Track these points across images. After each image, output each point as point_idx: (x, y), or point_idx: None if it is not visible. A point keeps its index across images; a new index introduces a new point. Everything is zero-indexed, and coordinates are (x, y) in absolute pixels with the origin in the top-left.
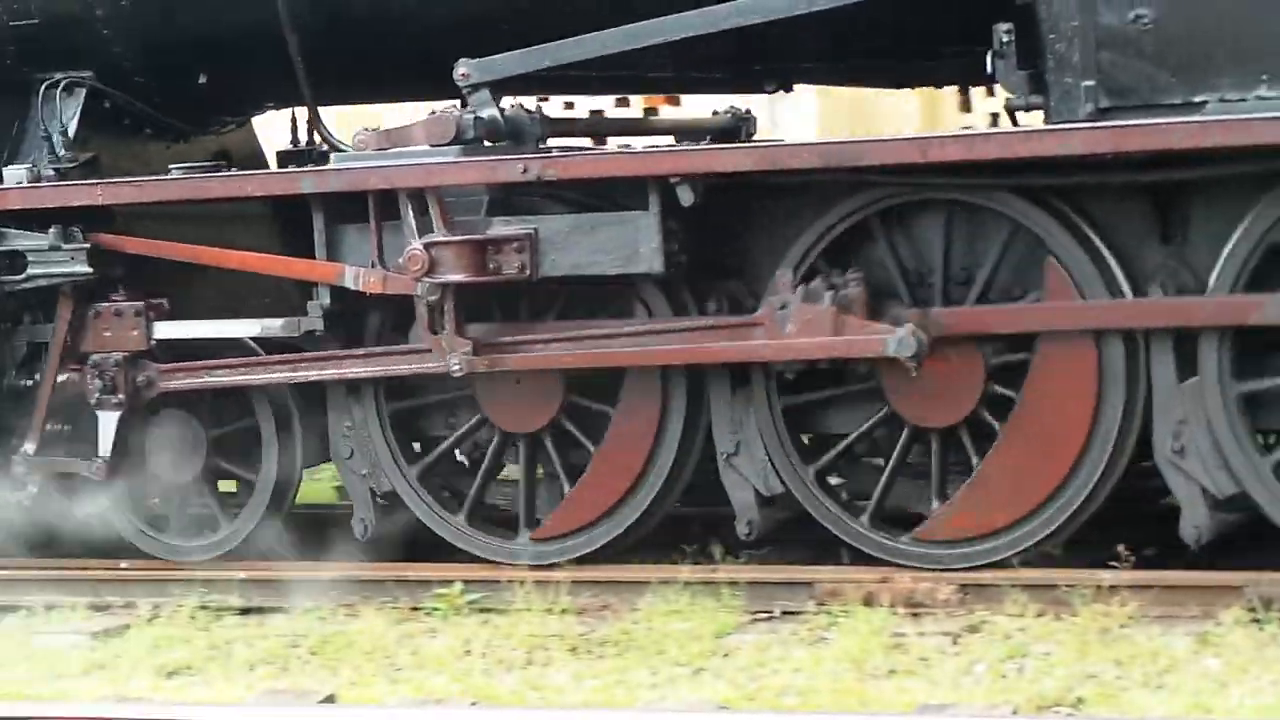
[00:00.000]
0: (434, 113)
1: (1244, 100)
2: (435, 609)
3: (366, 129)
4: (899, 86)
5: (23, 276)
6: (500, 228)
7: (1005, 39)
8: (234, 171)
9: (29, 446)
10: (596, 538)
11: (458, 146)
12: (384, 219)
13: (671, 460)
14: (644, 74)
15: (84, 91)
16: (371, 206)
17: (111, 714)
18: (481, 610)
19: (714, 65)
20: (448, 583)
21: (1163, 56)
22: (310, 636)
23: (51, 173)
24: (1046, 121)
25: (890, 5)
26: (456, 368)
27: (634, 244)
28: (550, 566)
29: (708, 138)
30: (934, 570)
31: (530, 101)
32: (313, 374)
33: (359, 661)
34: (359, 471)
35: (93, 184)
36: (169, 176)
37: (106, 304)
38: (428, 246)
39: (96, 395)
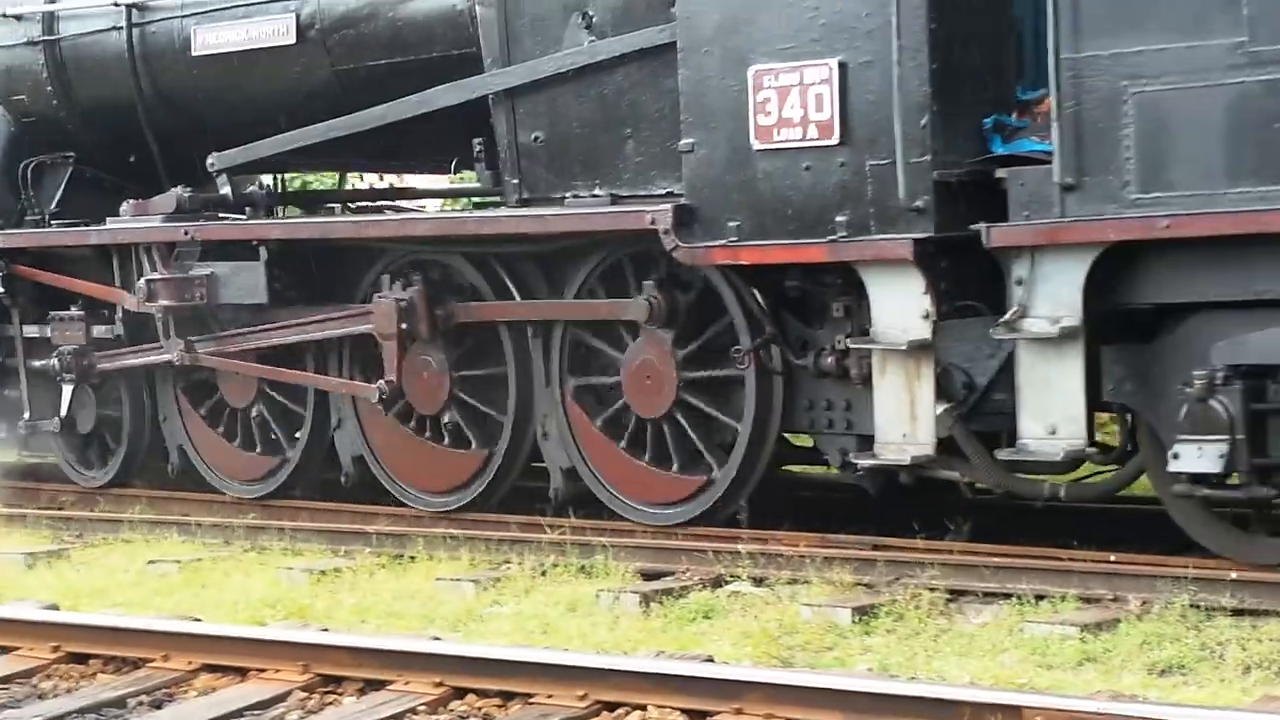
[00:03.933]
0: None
1: (590, 196)
2: None
3: (131, 201)
4: None
5: None
6: (193, 270)
7: (478, 147)
8: (74, 227)
9: None
10: None
11: (160, 215)
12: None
13: None
14: (349, 159)
15: (70, 168)
16: (134, 254)
17: (1106, 710)
18: None
19: (375, 155)
20: None
21: (550, 164)
22: None
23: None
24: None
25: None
26: (174, 358)
27: (255, 283)
28: None
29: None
30: None
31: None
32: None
33: None
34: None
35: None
36: (38, 230)
37: None
38: (149, 282)
39: None
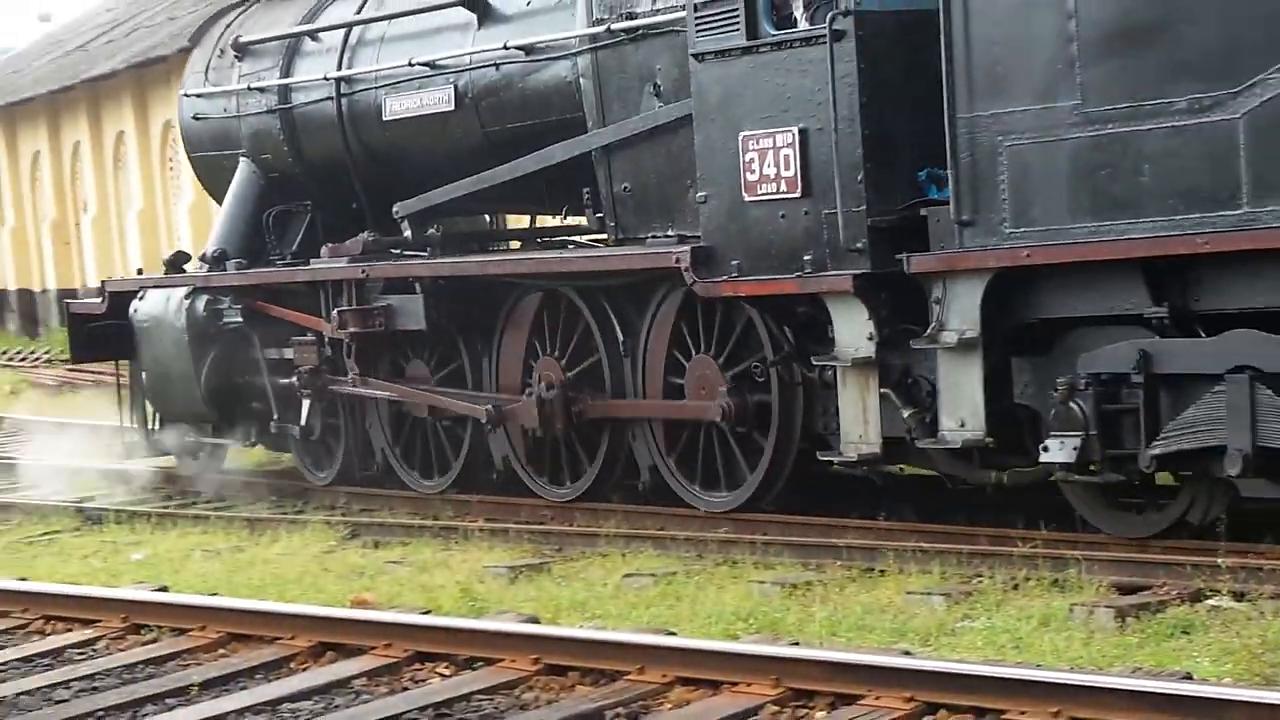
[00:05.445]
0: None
1: (664, 236)
2: None
3: (328, 245)
4: None
5: (223, 321)
6: (375, 302)
7: (586, 196)
8: (283, 267)
9: None
10: None
11: (346, 258)
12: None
13: None
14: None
15: (307, 215)
16: (328, 289)
17: None
18: None
19: (517, 201)
20: None
21: (636, 209)
22: None
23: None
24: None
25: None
26: (348, 382)
27: (418, 312)
28: None
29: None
30: None
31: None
32: None
33: None
34: None
35: (227, 274)
36: (257, 270)
37: None
38: (339, 312)
39: None
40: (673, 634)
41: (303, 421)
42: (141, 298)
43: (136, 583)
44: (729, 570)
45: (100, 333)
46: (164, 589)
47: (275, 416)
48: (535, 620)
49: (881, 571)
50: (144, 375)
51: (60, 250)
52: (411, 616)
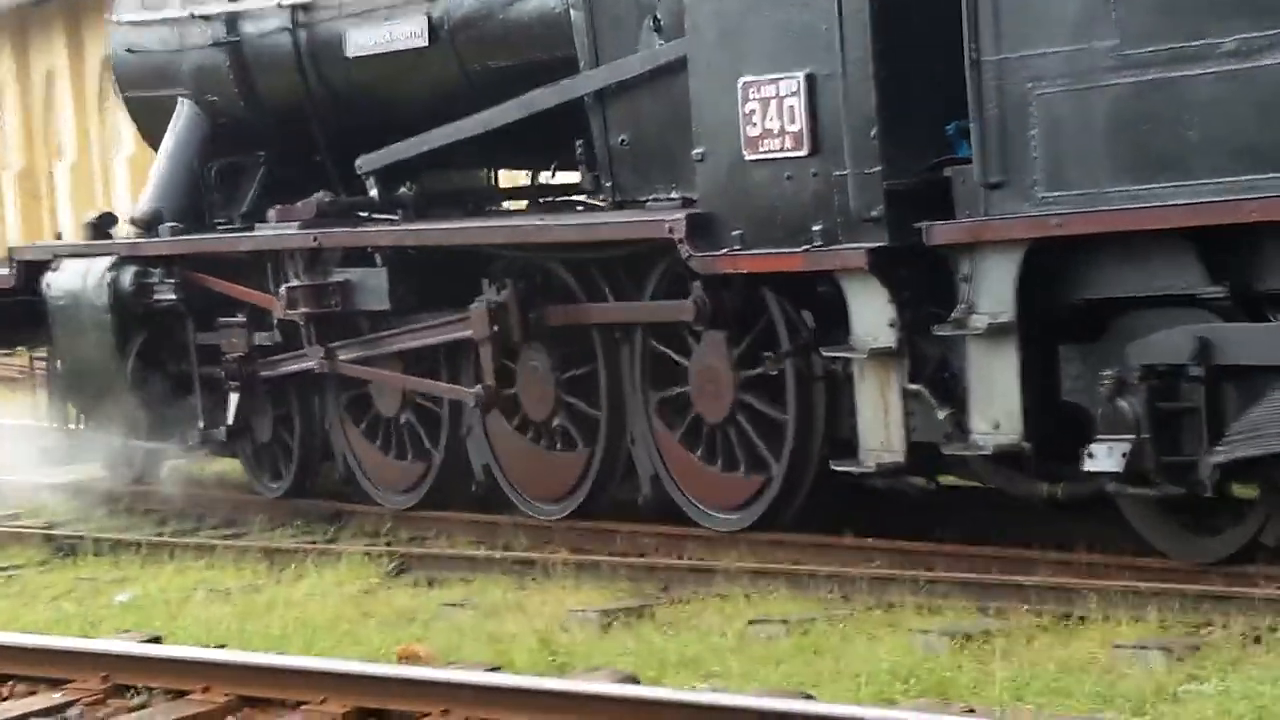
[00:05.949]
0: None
1: (667, 199)
2: None
3: (277, 206)
4: None
5: (154, 298)
6: (331, 277)
7: (580, 151)
8: (224, 233)
9: None
10: None
11: (297, 222)
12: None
13: None
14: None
15: (260, 169)
16: (276, 259)
17: None
18: None
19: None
20: None
21: (635, 166)
22: None
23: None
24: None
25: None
26: (314, 366)
27: (380, 288)
28: None
29: None
30: None
31: None
32: None
33: None
34: None
35: (158, 240)
36: (193, 236)
37: None
38: (288, 289)
39: None
40: (811, 698)
41: (229, 420)
42: (56, 269)
43: (121, 631)
44: (883, 616)
45: (9, 312)
46: (156, 639)
47: (201, 423)
48: (634, 680)
49: (1082, 619)
50: (59, 364)
51: (28, 205)
52: (476, 675)
